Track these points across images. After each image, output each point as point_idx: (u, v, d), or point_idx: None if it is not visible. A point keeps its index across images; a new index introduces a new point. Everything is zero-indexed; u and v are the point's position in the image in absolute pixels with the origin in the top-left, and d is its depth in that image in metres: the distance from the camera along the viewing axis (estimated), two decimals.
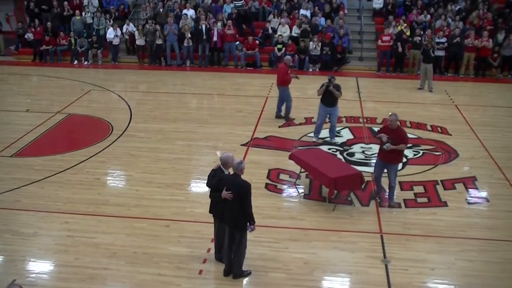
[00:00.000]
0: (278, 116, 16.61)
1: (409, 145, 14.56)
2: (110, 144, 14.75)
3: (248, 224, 8.78)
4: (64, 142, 15.28)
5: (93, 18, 24.90)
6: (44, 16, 25.14)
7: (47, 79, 21.72)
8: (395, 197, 11.71)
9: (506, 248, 10.14)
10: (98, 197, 11.88)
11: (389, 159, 11.33)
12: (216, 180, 8.88)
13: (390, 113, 11.59)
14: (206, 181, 9.22)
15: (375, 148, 14.27)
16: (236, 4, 25.04)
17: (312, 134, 15.17)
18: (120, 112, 17.31)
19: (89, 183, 12.52)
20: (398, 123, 11.45)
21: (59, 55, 24.21)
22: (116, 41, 24.00)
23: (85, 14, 24.94)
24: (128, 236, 10.33)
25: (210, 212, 9.30)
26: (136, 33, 23.80)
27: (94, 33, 24.34)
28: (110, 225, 10.73)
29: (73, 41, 23.98)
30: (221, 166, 8.96)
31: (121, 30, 24.27)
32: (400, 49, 22.26)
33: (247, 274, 9.16)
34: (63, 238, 10.27)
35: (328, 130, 14.99)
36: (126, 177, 13.09)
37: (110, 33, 23.89)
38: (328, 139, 14.97)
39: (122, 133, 15.54)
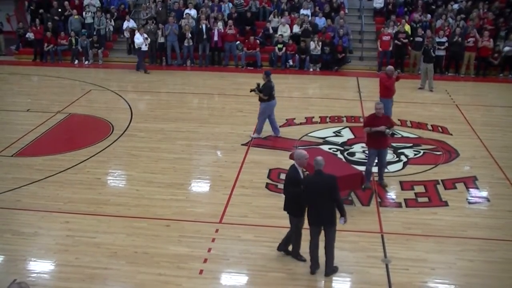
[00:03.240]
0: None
1: (409, 144, 14.68)
2: (111, 144, 14.75)
3: (340, 216, 8.91)
4: (64, 141, 15.27)
5: (93, 18, 24.87)
6: (45, 16, 25.16)
7: (47, 78, 21.73)
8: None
9: (506, 247, 10.14)
10: (99, 196, 11.89)
11: (384, 144, 12.13)
12: (304, 187, 9.02)
13: (377, 102, 12.25)
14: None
15: None
16: (236, 3, 25.04)
17: (313, 134, 15.19)
18: (120, 112, 17.32)
19: (90, 183, 12.53)
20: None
21: (59, 54, 24.22)
22: (144, 47, 22.44)
23: (86, 13, 24.93)
24: (128, 236, 10.34)
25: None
26: (136, 32, 23.74)
27: (94, 33, 24.33)
28: (111, 224, 10.74)
29: (73, 40, 23.97)
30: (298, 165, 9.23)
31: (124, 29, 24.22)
32: (399, 43, 22.30)
33: (337, 269, 9.27)
34: (64, 237, 10.28)
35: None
36: (126, 177, 13.10)
37: (138, 38, 22.20)
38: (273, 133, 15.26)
39: (123, 132, 15.54)
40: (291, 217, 9.41)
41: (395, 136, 15.20)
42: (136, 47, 22.44)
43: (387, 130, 11.81)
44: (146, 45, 22.41)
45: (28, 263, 9.56)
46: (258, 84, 14.82)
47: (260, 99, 14.84)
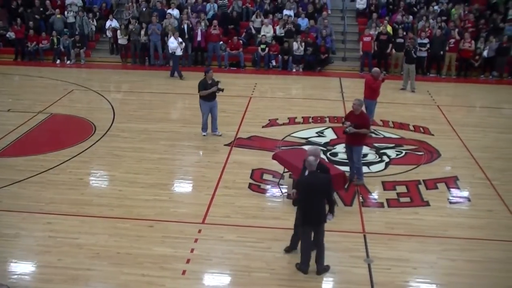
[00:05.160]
0: None
1: (392, 145, 14.76)
2: (93, 144, 14.67)
3: (329, 212, 9.16)
4: (46, 142, 15.14)
5: (75, 17, 24.70)
6: (25, 15, 24.95)
7: (29, 78, 21.54)
8: (364, 179, 12.56)
9: (487, 247, 10.25)
10: (81, 197, 11.82)
11: (353, 141, 12.23)
12: (300, 188, 9.17)
13: (356, 99, 12.37)
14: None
15: None
16: (220, 4, 25.02)
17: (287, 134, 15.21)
18: (103, 112, 17.22)
19: (72, 183, 12.45)
20: (363, 109, 12.60)
21: (41, 54, 24.04)
22: (179, 52, 21.52)
23: (68, 13, 24.76)
24: (111, 237, 10.29)
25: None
26: (119, 32, 23.66)
27: (77, 32, 24.16)
28: (93, 225, 10.68)
29: (55, 40, 23.80)
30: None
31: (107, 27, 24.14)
32: (376, 48, 22.55)
33: (328, 268, 9.39)
34: (46, 239, 10.21)
35: (211, 123, 15.34)
36: (109, 177, 13.03)
37: (173, 42, 21.24)
38: (217, 132, 15.30)
39: (105, 133, 15.47)
40: None
41: (377, 136, 15.34)
42: (170, 51, 21.61)
43: (347, 129, 11.96)
44: (181, 49, 21.57)
45: (9, 265, 9.47)
46: (217, 83, 14.94)
47: (215, 97, 15.02)
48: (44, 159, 13.70)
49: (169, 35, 22.84)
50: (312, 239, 9.22)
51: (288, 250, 9.80)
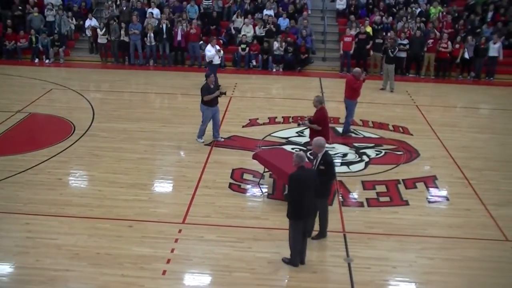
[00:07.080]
0: (346, 131, 15.74)
1: (371, 144, 14.86)
2: (72, 144, 14.56)
3: None
4: (24, 141, 14.97)
5: (54, 16, 24.49)
6: (3, 14, 24.70)
7: (7, 77, 21.29)
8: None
9: (465, 245, 10.36)
10: (60, 197, 11.73)
11: (311, 138, 12.58)
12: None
13: (316, 95, 12.83)
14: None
15: (338, 147, 14.53)
16: (204, 4, 24.95)
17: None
18: (82, 112, 17.10)
19: (51, 184, 12.35)
20: (324, 105, 12.96)
21: (19, 53, 23.80)
22: (217, 60, 19.37)
23: (47, 11, 24.54)
24: (90, 237, 10.23)
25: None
26: (98, 31, 23.49)
27: (55, 31, 23.96)
28: (72, 226, 10.61)
29: (34, 39, 23.57)
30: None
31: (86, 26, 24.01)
32: (355, 45, 22.77)
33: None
34: (24, 239, 10.11)
35: (213, 129, 14.88)
36: (88, 177, 12.94)
37: (210, 51, 19.06)
38: (219, 138, 14.91)
39: (85, 132, 15.36)
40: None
41: (357, 136, 15.43)
42: (207, 60, 19.47)
43: (299, 122, 12.84)
44: (219, 57, 19.55)
45: None
46: (219, 87, 14.72)
47: (217, 102, 14.65)
48: (22, 159, 13.57)
49: (147, 35, 22.82)
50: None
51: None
